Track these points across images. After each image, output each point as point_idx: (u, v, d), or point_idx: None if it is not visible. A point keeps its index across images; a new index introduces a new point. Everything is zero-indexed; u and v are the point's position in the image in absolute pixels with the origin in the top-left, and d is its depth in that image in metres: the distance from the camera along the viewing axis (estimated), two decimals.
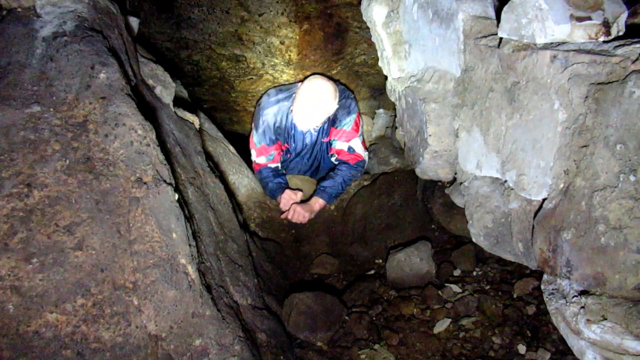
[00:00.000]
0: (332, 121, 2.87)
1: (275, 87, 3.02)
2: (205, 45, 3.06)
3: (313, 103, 2.67)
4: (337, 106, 2.76)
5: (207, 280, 1.52)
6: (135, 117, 1.37)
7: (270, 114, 2.83)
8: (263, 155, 2.89)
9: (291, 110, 2.79)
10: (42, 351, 1.12)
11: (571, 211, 1.16)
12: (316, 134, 2.92)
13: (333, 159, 2.95)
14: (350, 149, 2.86)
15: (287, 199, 2.78)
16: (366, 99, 3.61)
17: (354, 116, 2.84)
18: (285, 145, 2.97)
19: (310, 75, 2.79)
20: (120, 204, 1.28)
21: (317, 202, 2.78)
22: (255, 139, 2.89)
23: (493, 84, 1.45)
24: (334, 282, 2.47)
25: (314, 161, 3.09)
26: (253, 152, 2.93)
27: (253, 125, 2.92)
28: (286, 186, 2.87)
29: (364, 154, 2.91)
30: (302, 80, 2.88)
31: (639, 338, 1.00)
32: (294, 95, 2.80)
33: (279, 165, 2.96)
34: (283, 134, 2.90)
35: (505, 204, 1.49)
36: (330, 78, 2.88)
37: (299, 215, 2.70)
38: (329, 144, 2.98)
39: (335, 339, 1.98)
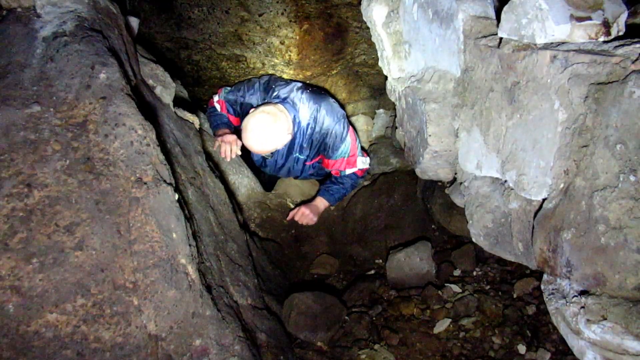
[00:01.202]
0: (321, 148, 2.73)
1: (275, 80, 2.88)
2: (205, 45, 3.06)
3: (257, 142, 2.51)
4: (287, 137, 2.58)
5: (207, 280, 1.52)
6: (135, 117, 1.37)
7: (247, 99, 2.76)
8: (223, 109, 2.83)
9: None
10: (42, 351, 1.12)
11: (571, 211, 1.16)
12: (285, 148, 2.75)
13: (344, 174, 2.83)
14: (358, 170, 2.79)
15: (227, 142, 2.64)
16: (366, 99, 3.61)
17: (348, 141, 2.70)
18: None
19: (264, 104, 2.61)
20: (120, 204, 1.28)
21: (322, 203, 2.76)
22: (222, 92, 2.83)
23: (493, 84, 1.45)
24: (334, 282, 2.47)
25: (290, 172, 2.97)
26: (215, 97, 2.86)
27: (234, 87, 2.85)
28: (228, 128, 2.80)
29: (368, 163, 2.86)
30: (302, 83, 2.81)
31: (639, 338, 1.00)
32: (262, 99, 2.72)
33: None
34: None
35: (505, 204, 1.49)
36: (305, 88, 2.72)
37: (306, 217, 2.68)
38: (315, 167, 2.88)
39: (335, 339, 1.98)
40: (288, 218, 2.74)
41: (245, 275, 1.89)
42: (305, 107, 2.65)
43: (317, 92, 2.78)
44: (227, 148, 2.62)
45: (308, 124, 2.67)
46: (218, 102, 2.85)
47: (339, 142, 2.69)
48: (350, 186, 2.80)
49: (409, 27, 2.00)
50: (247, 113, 2.68)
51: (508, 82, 1.37)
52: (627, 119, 1.03)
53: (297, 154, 2.81)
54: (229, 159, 2.64)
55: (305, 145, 2.76)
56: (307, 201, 2.84)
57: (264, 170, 3.09)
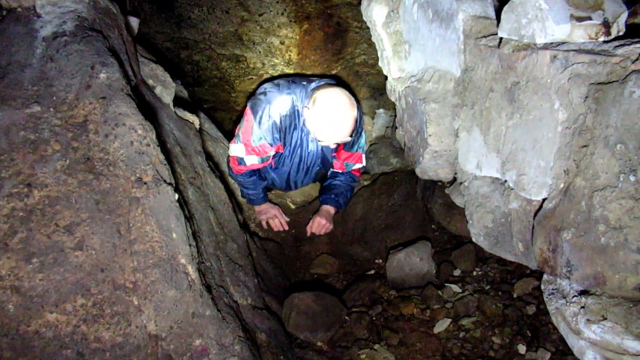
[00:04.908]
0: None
1: (277, 80, 2.60)
2: (205, 45, 3.06)
3: (341, 123, 2.28)
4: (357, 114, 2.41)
5: (207, 280, 1.52)
6: (135, 117, 1.37)
7: (278, 109, 2.38)
8: (257, 155, 2.45)
9: (307, 127, 2.41)
10: (42, 351, 1.12)
11: (571, 211, 1.16)
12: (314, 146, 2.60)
13: (349, 168, 2.77)
14: (362, 167, 2.76)
15: (274, 216, 2.69)
16: (366, 99, 3.61)
17: (364, 135, 2.67)
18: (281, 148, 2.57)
19: (322, 87, 2.36)
20: (120, 204, 1.28)
21: (332, 210, 2.74)
22: (254, 135, 2.38)
23: (493, 84, 1.45)
24: (334, 282, 2.47)
25: (310, 170, 2.76)
26: (241, 148, 2.44)
27: (252, 117, 2.39)
28: (264, 199, 2.71)
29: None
30: (309, 78, 2.59)
31: (639, 338, 1.00)
32: (302, 94, 2.41)
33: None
34: (284, 134, 2.48)
35: (505, 204, 1.49)
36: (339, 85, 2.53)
37: (324, 227, 2.68)
38: (333, 158, 2.76)
39: (335, 339, 1.98)
40: (308, 234, 2.72)
41: (245, 275, 1.89)
42: None
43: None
44: (277, 222, 2.71)
45: None
46: (250, 152, 2.44)
47: (358, 136, 2.61)
48: (351, 191, 2.79)
49: (409, 27, 2.00)
50: (296, 124, 2.46)
51: (508, 82, 1.37)
52: (627, 119, 1.03)
53: (329, 151, 2.67)
54: (281, 229, 2.72)
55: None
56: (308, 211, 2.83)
57: (276, 184, 2.86)
